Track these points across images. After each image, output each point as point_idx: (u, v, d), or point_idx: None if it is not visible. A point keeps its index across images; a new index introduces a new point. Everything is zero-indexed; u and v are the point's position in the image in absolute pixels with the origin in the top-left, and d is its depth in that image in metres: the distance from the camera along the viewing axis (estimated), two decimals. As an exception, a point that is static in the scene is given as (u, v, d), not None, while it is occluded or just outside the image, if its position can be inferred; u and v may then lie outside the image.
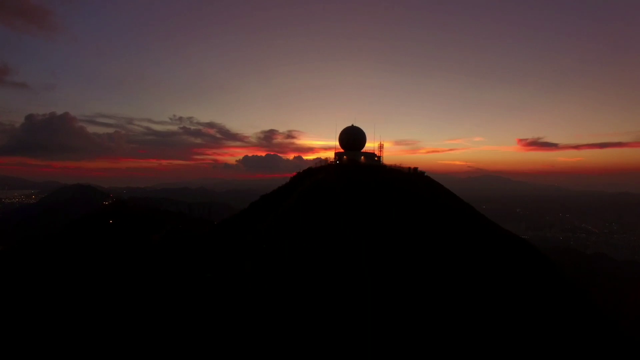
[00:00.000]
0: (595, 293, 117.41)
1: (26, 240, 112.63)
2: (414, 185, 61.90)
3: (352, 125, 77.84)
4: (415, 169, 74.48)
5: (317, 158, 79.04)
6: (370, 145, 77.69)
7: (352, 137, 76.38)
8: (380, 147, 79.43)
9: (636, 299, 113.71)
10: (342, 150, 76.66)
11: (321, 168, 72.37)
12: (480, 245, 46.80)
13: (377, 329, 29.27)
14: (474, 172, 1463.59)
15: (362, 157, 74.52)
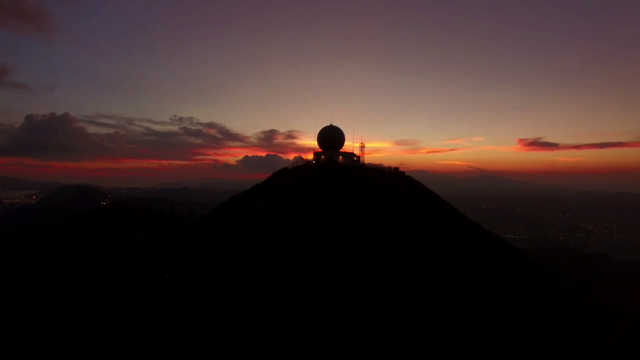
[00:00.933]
0: (595, 293, 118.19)
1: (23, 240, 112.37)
2: (392, 184, 60.76)
3: (331, 124, 76.96)
4: (397, 168, 73.83)
5: (296, 157, 76.80)
6: (350, 145, 77.31)
7: (329, 137, 75.64)
8: (362, 147, 78.87)
9: (635, 299, 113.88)
10: (320, 150, 75.83)
11: (297, 168, 71.59)
12: (457, 244, 46.24)
13: (345, 331, 29.12)
14: (474, 172, 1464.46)
15: (341, 157, 73.60)
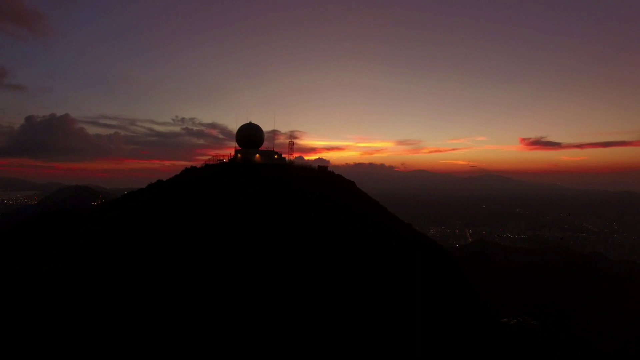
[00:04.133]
0: (588, 292, 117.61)
1: None
2: (306, 184, 57.45)
3: (250, 122, 75.23)
4: (325, 167, 72.70)
5: (211, 157, 73.51)
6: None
7: (246, 135, 73.43)
8: (291, 145, 77.73)
9: (632, 298, 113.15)
10: (240, 149, 73.61)
11: (205, 166, 68.24)
12: (365, 244, 43.34)
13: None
14: (475, 172, 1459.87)
15: (257, 155, 71.18)
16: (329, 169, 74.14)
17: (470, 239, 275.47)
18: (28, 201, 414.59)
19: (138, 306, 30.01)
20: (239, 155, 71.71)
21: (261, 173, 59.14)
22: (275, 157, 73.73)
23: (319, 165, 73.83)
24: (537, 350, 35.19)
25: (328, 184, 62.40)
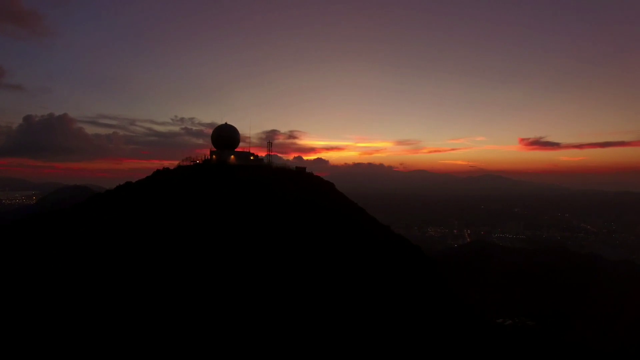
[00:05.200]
0: (592, 292, 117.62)
1: None
2: (281, 186, 56.67)
3: (225, 123, 74.81)
4: (303, 169, 72.57)
5: (185, 157, 72.18)
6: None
7: (219, 136, 72.81)
8: (269, 145, 77.08)
9: (630, 298, 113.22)
10: (215, 150, 72.87)
11: (174, 169, 66.90)
12: (340, 247, 42.50)
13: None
14: (474, 172, 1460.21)
15: (232, 157, 70.41)
16: (310, 170, 73.98)
17: (468, 239, 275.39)
18: (27, 201, 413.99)
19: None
20: (214, 156, 70.93)
21: (235, 175, 58.13)
22: (252, 158, 72.92)
23: (297, 167, 73.49)
24: (528, 351, 34.89)
25: (304, 186, 61.45)
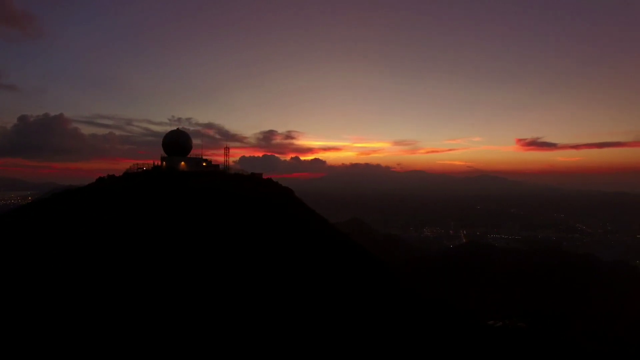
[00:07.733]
0: (588, 292, 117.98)
1: None
2: (232, 194, 54.47)
3: (177, 129, 74.31)
4: (260, 174, 72.90)
5: (133, 164, 71.03)
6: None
7: (172, 142, 71.59)
8: (226, 151, 76.70)
9: (626, 298, 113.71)
10: (166, 156, 71.58)
11: (119, 176, 65.26)
12: (294, 255, 40.52)
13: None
14: (471, 172, 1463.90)
15: (182, 163, 69.16)
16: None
17: (464, 240, 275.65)
18: (23, 201, 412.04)
19: None
20: (164, 163, 69.67)
21: (187, 183, 56.32)
22: (204, 164, 71.88)
23: (252, 173, 73.09)
24: (515, 354, 34.55)
25: (254, 196, 58.34)
